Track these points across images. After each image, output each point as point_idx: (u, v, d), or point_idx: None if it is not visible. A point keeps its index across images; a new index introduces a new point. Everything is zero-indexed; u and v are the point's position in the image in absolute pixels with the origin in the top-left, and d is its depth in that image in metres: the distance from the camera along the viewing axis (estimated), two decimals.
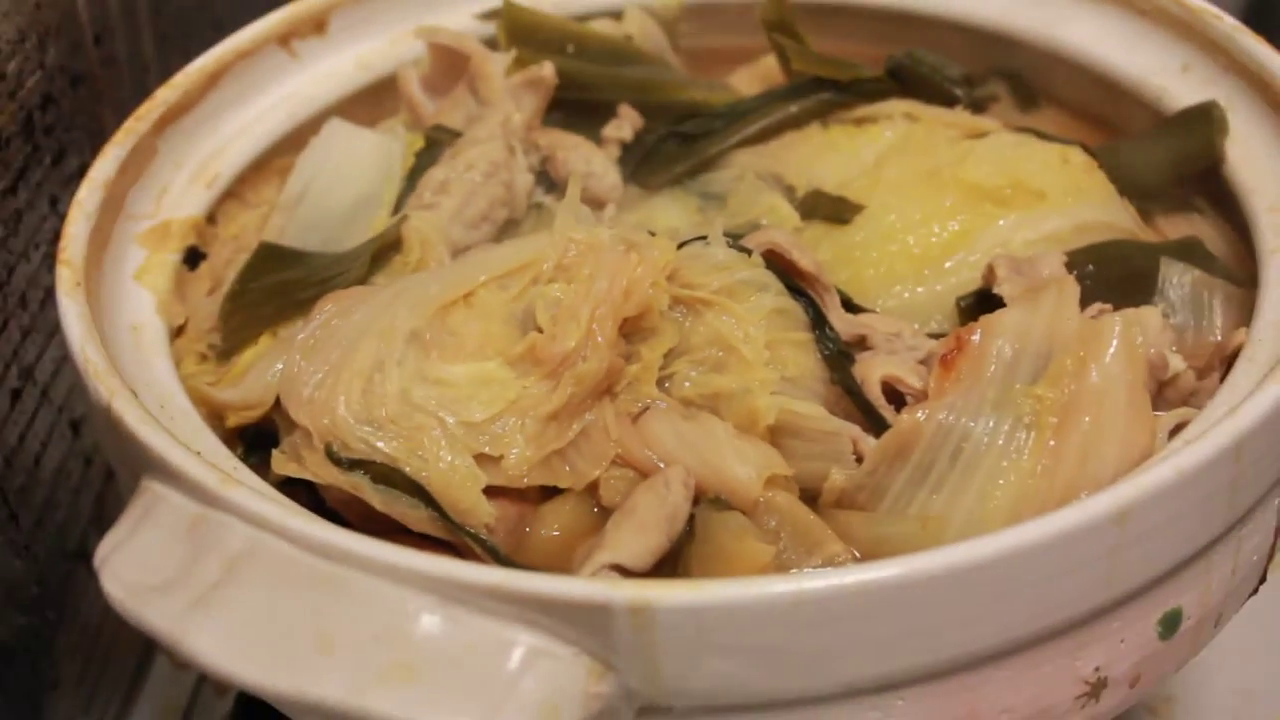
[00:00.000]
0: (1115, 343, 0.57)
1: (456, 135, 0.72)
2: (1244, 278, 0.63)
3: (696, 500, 0.56)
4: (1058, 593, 0.50)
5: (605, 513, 0.57)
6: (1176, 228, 0.69)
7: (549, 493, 0.58)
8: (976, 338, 0.58)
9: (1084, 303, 0.59)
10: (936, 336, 0.62)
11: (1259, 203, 0.64)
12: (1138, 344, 0.57)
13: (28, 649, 0.73)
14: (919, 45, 0.77)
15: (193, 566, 0.50)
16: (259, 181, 0.74)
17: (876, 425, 0.59)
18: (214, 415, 0.61)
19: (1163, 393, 0.58)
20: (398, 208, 0.70)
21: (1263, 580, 0.60)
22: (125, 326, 0.64)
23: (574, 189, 0.66)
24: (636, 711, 0.50)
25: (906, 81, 0.76)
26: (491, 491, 0.56)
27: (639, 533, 0.54)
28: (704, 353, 0.60)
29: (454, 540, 0.56)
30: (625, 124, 0.75)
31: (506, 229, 0.70)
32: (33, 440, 0.75)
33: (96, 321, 0.60)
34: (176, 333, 0.66)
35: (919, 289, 0.66)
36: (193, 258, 0.69)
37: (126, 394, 0.56)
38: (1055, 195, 0.67)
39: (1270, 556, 0.60)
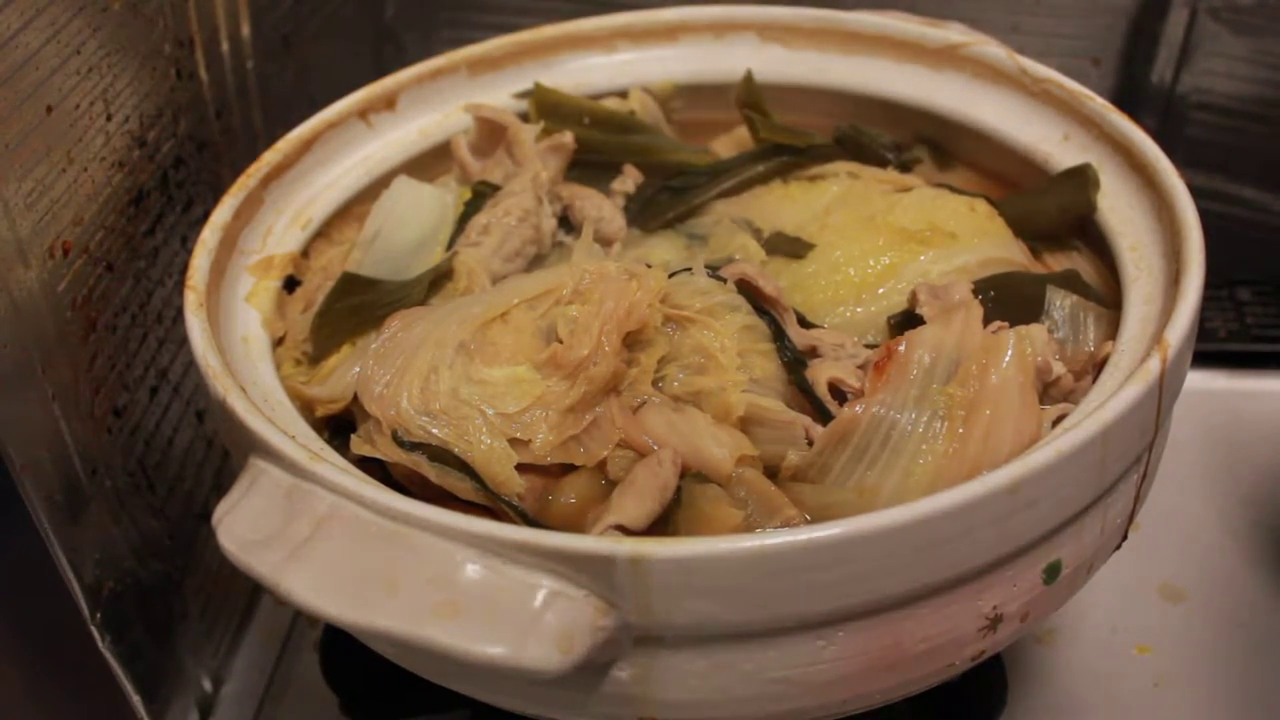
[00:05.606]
0: (1010, 352, 0.56)
1: (496, 189, 0.72)
2: (1111, 301, 0.63)
3: (683, 475, 0.56)
4: (964, 547, 0.50)
5: (611, 485, 0.57)
6: (1059, 262, 0.68)
7: (567, 469, 0.58)
8: (902, 348, 0.57)
9: (986, 321, 0.59)
10: (872, 347, 0.62)
11: (1122, 243, 0.64)
12: (1028, 353, 0.57)
13: (163, 588, 0.73)
14: (859, 119, 0.77)
15: (288, 525, 0.50)
16: (342, 224, 0.74)
17: (824, 416, 0.59)
18: (306, 407, 0.61)
19: (1047, 392, 0.58)
20: (450, 245, 0.70)
21: (1124, 539, 0.60)
22: (237, 338, 0.64)
23: (588, 231, 0.67)
24: (634, 640, 0.50)
25: (849, 147, 0.75)
26: (522, 468, 0.56)
27: (637, 500, 0.54)
28: (689, 359, 0.59)
29: (492, 506, 0.56)
30: (629, 180, 0.75)
31: (535, 262, 0.70)
32: (166, 426, 0.75)
33: (215, 334, 0.61)
34: (277, 343, 0.66)
35: (858, 310, 0.65)
36: (290, 284, 0.69)
37: (237, 391, 0.56)
38: (964, 237, 0.67)
39: (1130, 520, 0.60)
